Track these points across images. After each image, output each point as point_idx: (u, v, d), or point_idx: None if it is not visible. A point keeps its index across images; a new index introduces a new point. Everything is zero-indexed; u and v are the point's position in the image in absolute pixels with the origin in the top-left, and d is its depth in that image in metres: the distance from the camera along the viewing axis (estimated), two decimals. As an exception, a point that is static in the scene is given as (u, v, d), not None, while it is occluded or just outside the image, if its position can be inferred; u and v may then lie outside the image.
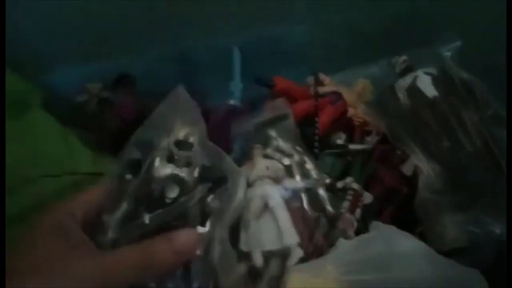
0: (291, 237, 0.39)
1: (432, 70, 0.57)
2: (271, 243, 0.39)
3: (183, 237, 0.31)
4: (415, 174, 0.50)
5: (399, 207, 0.50)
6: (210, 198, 0.34)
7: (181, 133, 0.34)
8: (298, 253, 0.38)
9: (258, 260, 0.38)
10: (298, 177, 0.43)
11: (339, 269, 0.36)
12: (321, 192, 0.43)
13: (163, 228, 0.32)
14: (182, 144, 0.33)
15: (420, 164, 0.48)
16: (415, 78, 0.56)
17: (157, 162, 0.32)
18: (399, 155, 0.51)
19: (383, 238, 0.40)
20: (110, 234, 0.32)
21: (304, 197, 0.42)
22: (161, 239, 0.31)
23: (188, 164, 0.33)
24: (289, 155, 0.45)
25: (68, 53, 0.59)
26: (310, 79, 0.59)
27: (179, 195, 0.32)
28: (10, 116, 0.48)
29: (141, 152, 0.34)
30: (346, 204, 0.46)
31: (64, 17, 0.58)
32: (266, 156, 0.46)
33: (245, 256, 0.38)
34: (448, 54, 0.58)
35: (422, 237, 0.48)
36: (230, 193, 0.35)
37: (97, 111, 0.55)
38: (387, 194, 0.50)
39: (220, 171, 0.35)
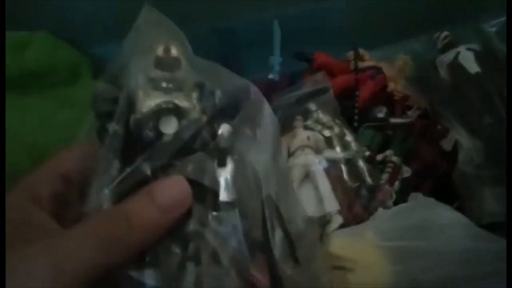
0: (332, 204, 0.40)
1: (475, 46, 0.56)
2: (312, 210, 0.40)
3: (168, 187, 0.23)
4: (455, 149, 0.50)
5: (438, 181, 0.50)
6: (224, 129, 0.25)
7: (159, 49, 0.24)
8: (338, 220, 0.40)
9: (299, 226, 0.35)
10: (338, 148, 0.45)
11: (378, 236, 0.38)
12: (361, 163, 0.44)
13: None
14: (164, 62, 0.24)
15: (460, 139, 0.49)
16: (457, 54, 0.56)
17: (140, 94, 0.24)
18: (440, 130, 0.51)
19: (422, 208, 0.41)
20: (106, 204, 0.24)
21: (343, 168, 0.44)
22: (139, 195, 0.23)
23: (180, 88, 0.24)
24: (329, 127, 0.46)
25: (118, 27, 0.61)
26: (350, 54, 0.59)
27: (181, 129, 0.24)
28: (63, 83, 0.51)
29: (118, 88, 0.25)
30: (385, 176, 0.47)
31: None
32: (306, 128, 0.47)
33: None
34: (492, 30, 0.58)
35: (460, 211, 0.48)
36: (258, 120, 0.28)
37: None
38: (426, 168, 0.50)
39: (227, 95, 0.26)
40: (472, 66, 0.54)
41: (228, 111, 0.26)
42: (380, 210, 0.42)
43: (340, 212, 0.40)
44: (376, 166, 0.47)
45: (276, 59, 0.62)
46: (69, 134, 0.40)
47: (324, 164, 0.43)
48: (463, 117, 0.50)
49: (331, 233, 0.38)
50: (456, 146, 0.50)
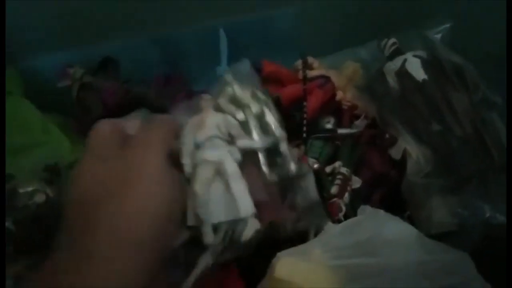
0: (246, 207, 0.33)
1: (422, 53, 0.56)
2: (222, 215, 0.33)
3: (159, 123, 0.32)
4: (404, 158, 0.49)
5: (388, 191, 0.50)
6: None
7: None
8: (254, 225, 0.33)
9: (208, 235, 0.32)
10: (255, 135, 0.37)
11: (327, 254, 0.36)
12: (284, 149, 0.37)
13: None
14: None
15: (409, 147, 0.48)
16: (404, 61, 0.56)
17: None
18: (388, 139, 0.50)
19: (371, 222, 0.40)
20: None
21: (262, 159, 0.36)
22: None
23: None
24: (245, 106, 0.38)
25: (50, 38, 0.57)
26: (299, 63, 0.58)
27: None
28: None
29: None
30: (334, 188, 0.46)
31: (46, 1, 0.57)
32: (218, 109, 0.39)
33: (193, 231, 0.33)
34: (437, 36, 0.58)
35: (410, 221, 0.47)
36: None
37: (79, 96, 0.54)
38: (375, 178, 0.50)
39: None
40: (419, 73, 0.54)
41: None
42: (329, 224, 0.41)
43: (258, 214, 0.33)
44: (326, 179, 0.46)
45: (223, 69, 0.60)
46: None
47: (237, 156, 0.35)
48: (411, 125, 0.50)
49: (276, 254, 0.36)
50: (405, 154, 0.49)
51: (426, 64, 0.55)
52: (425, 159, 0.47)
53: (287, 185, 0.38)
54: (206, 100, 0.38)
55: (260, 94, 0.38)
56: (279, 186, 0.36)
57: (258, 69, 0.57)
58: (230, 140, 0.36)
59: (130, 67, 0.59)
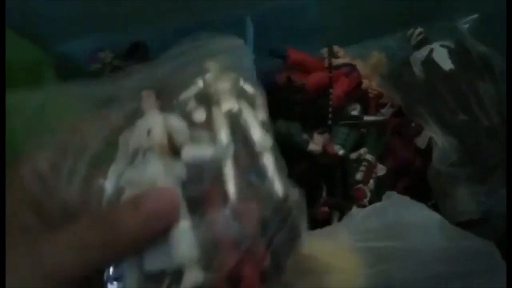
0: (183, 252, 0.23)
1: (449, 43, 0.56)
2: (158, 261, 0.23)
3: (153, 194, 0.23)
4: (429, 146, 0.49)
5: (413, 179, 0.50)
6: None
7: None
8: (193, 277, 0.23)
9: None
10: (205, 143, 0.26)
11: (353, 237, 0.37)
12: (267, 162, 0.27)
13: None
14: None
15: (435, 136, 0.48)
16: (431, 50, 0.56)
17: None
18: (414, 128, 0.50)
19: (397, 207, 0.40)
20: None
21: (227, 175, 0.26)
22: (124, 202, 0.23)
23: None
24: (214, 103, 0.28)
25: (81, 22, 0.58)
26: (324, 51, 0.58)
27: None
28: (22, 84, 0.48)
29: None
30: (359, 175, 0.46)
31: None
32: (170, 107, 0.29)
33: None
34: (465, 26, 0.58)
35: (435, 209, 0.48)
36: None
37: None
38: (400, 166, 0.50)
39: None
40: (446, 63, 0.54)
41: None
42: (355, 209, 0.41)
43: (212, 261, 0.24)
44: (351, 165, 0.47)
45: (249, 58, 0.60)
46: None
47: (180, 174, 0.25)
48: (437, 114, 0.50)
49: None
50: (430, 143, 0.49)
51: (453, 54, 0.54)
52: (451, 148, 0.47)
53: (267, 218, 0.26)
54: (148, 97, 0.28)
55: (248, 88, 0.30)
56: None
57: (283, 57, 0.57)
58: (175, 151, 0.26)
59: (158, 53, 0.60)
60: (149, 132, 0.26)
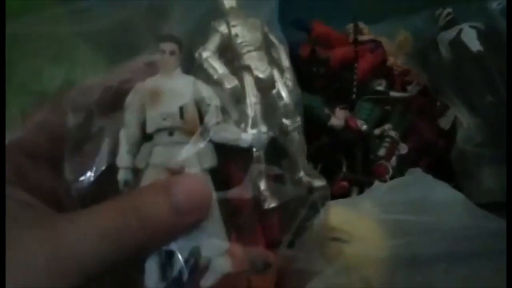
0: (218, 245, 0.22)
1: (478, 24, 0.55)
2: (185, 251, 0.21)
3: (188, 187, 0.20)
4: (454, 128, 0.49)
5: (434, 160, 0.49)
6: None
7: None
8: (222, 262, 0.22)
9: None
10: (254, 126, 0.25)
11: (376, 208, 0.36)
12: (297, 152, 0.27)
13: None
14: None
15: (460, 116, 0.47)
16: (460, 31, 0.54)
17: None
18: (439, 108, 0.49)
19: (420, 183, 0.39)
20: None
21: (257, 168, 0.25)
22: (155, 188, 0.20)
23: None
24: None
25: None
26: (349, 27, 0.57)
27: None
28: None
29: None
30: (382, 151, 0.45)
31: None
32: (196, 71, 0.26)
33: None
34: (496, 7, 0.56)
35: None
36: None
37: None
38: (423, 146, 0.49)
39: None
40: (474, 44, 0.53)
41: None
42: (377, 183, 0.40)
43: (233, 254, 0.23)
44: (374, 141, 0.46)
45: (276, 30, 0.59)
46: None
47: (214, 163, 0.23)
48: (464, 95, 0.49)
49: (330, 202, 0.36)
50: (455, 124, 0.48)
51: (483, 36, 0.53)
52: (477, 128, 0.46)
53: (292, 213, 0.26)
54: (171, 53, 0.23)
55: (273, 39, 0.28)
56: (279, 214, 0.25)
57: (307, 29, 0.56)
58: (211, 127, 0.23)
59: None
60: (181, 114, 0.22)
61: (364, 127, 0.46)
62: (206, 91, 0.23)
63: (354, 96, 0.48)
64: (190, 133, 0.22)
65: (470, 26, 0.54)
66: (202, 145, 0.22)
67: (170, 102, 0.22)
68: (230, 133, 0.23)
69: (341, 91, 0.50)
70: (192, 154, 0.22)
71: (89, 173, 0.23)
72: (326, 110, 0.49)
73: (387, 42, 0.57)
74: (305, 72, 0.51)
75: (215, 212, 0.21)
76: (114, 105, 0.23)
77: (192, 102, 0.23)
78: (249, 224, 0.23)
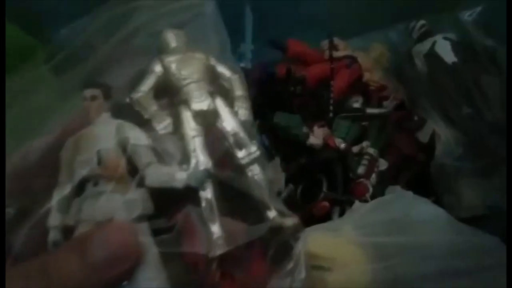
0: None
1: (452, 36, 0.55)
2: None
3: (104, 238, 0.19)
4: (432, 141, 0.48)
5: (414, 174, 0.49)
6: None
7: None
8: None
9: None
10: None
11: (357, 231, 0.35)
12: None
13: None
14: None
15: (438, 129, 0.47)
16: (434, 43, 0.54)
17: None
18: (416, 122, 0.49)
19: (400, 202, 0.39)
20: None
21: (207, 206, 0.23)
22: (67, 246, 0.20)
23: None
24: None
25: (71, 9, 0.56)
26: (324, 43, 0.57)
27: None
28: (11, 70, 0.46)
29: None
30: (362, 169, 0.45)
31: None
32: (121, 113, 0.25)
33: None
34: (468, 19, 0.56)
35: (438, 205, 0.46)
36: None
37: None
38: (402, 160, 0.49)
39: None
40: (449, 55, 0.53)
41: None
42: (357, 203, 0.40)
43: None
44: (352, 159, 0.45)
45: (247, 47, 0.59)
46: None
47: (146, 208, 0.22)
48: (440, 107, 0.49)
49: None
50: (433, 137, 0.48)
51: (457, 47, 0.53)
52: (455, 141, 0.46)
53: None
54: (93, 99, 0.23)
55: (223, 70, 0.27)
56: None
57: (283, 48, 0.56)
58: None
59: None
60: (99, 159, 0.21)
61: (342, 145, 0.46)
62: (131, 131, 0.22)
63: (331, 114, 0.48)
64: (113, 179, 0.21)
65: (444, 38, 0.55)
66: (131, 192, 0.21)
67: (87, 149, 0.21)
68: (162, 175, 0.22)
69: (319, 110, 0.49)
70: (118, 204, 0.20)
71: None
72: (305, 129, 0.48)
73: (363, 56, 0.57)
74: (282, 92, 0.51)
75: (150, 258, 0.20)
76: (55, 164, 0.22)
77: (115, 146, 0.22)
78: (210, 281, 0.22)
